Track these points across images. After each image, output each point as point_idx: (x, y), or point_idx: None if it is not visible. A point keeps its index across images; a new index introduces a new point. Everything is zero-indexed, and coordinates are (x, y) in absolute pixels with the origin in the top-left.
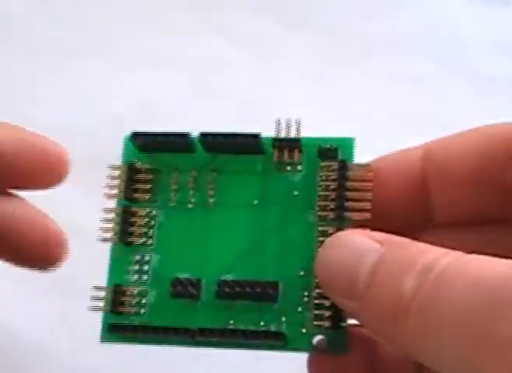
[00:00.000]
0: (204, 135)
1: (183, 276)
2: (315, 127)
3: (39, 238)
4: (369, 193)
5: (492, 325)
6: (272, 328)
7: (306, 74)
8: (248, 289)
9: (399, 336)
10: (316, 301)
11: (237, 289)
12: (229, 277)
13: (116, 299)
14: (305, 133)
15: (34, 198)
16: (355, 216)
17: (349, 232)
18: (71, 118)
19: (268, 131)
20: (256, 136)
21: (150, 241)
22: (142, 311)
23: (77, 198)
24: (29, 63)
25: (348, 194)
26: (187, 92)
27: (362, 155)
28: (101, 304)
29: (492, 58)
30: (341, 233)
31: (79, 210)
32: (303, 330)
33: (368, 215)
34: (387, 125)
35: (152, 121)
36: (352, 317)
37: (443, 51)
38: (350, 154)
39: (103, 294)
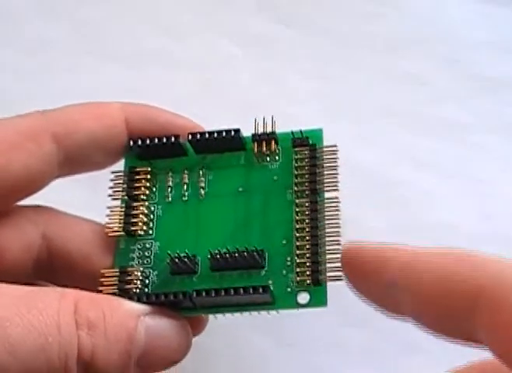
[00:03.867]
0: (192, 135)
1: (180, 254)
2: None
3: None
4: (337, 169)
5: None
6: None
7: (306, 74)
8: (238, 257)
9: None
10: (298, 261)
11: (228, 258)
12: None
13: (122, 279)
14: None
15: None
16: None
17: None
18: None
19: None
20: (236, 131)
21: (151, 231)
22: (146, 290)
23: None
24: (28, 62)
25: (319, 171)
26: (188, 91)
27: (361, 155)
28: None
29: (492, 58)
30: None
31: None
32: (289, 289)
33: (337, 186)
34: (387, 125)
35: None
36: None
37: (443, 51)
38: (319, 140)
39: (110, 277)
